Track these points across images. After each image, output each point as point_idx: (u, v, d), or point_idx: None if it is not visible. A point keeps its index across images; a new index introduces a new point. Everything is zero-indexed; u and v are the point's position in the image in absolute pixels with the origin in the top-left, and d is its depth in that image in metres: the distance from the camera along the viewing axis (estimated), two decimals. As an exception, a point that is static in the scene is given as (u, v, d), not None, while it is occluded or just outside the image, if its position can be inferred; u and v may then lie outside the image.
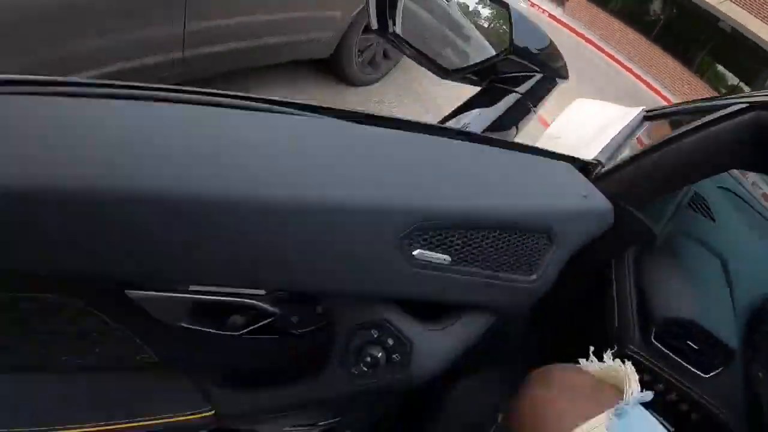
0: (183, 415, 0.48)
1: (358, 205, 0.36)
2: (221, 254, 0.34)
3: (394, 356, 0.41)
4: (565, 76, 0.68)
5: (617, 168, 0.62)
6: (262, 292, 0.43)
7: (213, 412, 0.49)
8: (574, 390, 0.45)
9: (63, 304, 0.40)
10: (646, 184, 0.60)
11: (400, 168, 0.41)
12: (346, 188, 0.36)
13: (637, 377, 0.44)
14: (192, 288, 0.41)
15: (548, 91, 0.66)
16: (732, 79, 10.12)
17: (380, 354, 0.40)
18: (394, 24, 0.65)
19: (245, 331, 0.47)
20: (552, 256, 0.50)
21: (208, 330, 0.46)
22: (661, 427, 0.42)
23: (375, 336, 0.41)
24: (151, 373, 0.49)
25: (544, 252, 0.49)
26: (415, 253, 0.39)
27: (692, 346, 0.58)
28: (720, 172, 0.60)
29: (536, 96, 0.65)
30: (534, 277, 0.49)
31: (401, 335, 0.41)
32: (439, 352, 0.43)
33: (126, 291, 0.39)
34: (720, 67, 10.42)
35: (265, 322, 0.46)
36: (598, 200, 0.58)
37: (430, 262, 0.41)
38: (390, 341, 0.41)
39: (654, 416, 0.48)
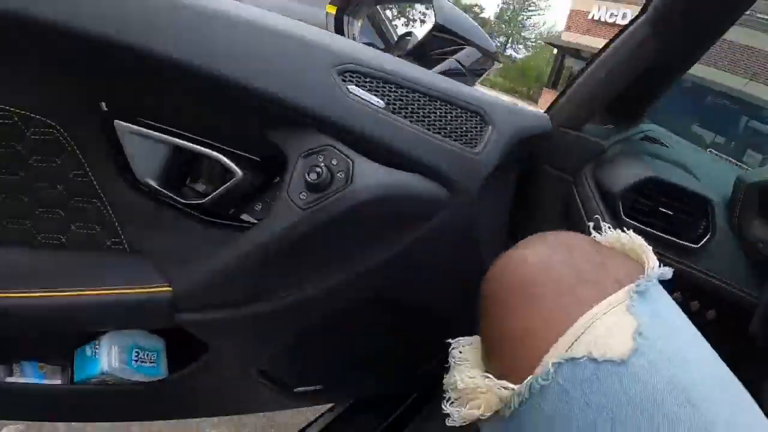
0: (137, 288, 0.48)
1: (294, 33, 0.46)
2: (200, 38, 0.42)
3: (338, 174, 0.44)
4: (499, 61, 0.83)
5: (551, 106, 0.71)
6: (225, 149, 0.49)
7: (169, 288, 0.48)
8: (574, 252, 0.34)
9: (55, 145, 0.46)
10: (579, 105, 0.68)
11: (334, 36, 0.52)
12: (284, 23, 0.46)
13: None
14: (169, 131, 0.48)
15: (482, 69, 0.80)
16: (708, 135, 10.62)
17: (324, 170, 0.44)
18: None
19: (208, 199, 0.50)
20: (490, 136, 0.55)
21: (174, 198, 0.50)
22: (680, 311, 0.34)
23: (320, 160, 0.45)
24: (115, 254, 0.51)
25: (481, 131, 0.55)
26: (350, 87, 0.47)
27: (667, 213, 0.58)
28: (639, 81, 0.67)
29: (471, 70, 0.79)
30: (477, 150, 0.54)
31: (344, 154, 0.45)
32: (381, 175, 0.46)
33: (115, 121, 0.46)
34: (696, 127, 11.01)
35: (229, 185, 0.50)
36: (530, 108, 0.65)
37: (366, 100, 0.47)
38: (334, 161, 0.45)
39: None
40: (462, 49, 0.77)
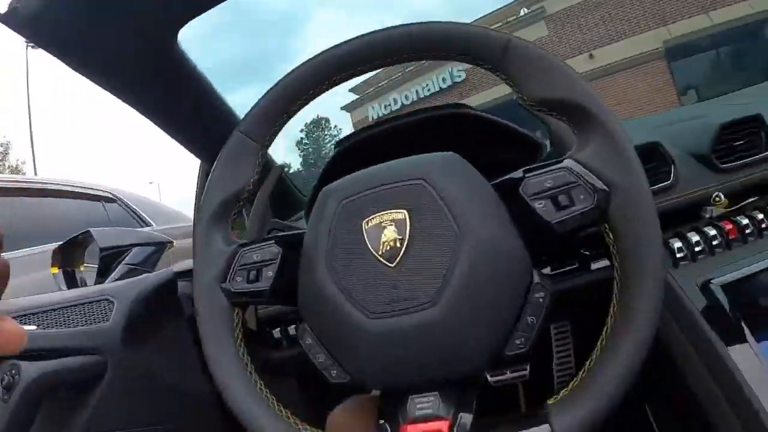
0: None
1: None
2: None
3: (16, 376, 0.98)
4: (171, 242, 1.42)
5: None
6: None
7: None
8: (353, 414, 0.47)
9: None
10: None
11: None
12: None
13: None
14: None
15: (159, 254, 1.39)
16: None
17: (8, 378, 0.97)
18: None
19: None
20: (116, 309, 1.11)
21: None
22: None
23: (8, 373, 0.98)
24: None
25: (110, 309, 1.11)
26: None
27: None
28: None
29: (146, 261, 1.37)
30: (109, 322, 1.08)
31: (16, 365, 0.98)
32: (37, 366, 0.99)
33: None
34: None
35: None
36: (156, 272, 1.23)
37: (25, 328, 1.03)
38: (13, 371, 0.98)
39: None
40: (130, 252, 1.35)
